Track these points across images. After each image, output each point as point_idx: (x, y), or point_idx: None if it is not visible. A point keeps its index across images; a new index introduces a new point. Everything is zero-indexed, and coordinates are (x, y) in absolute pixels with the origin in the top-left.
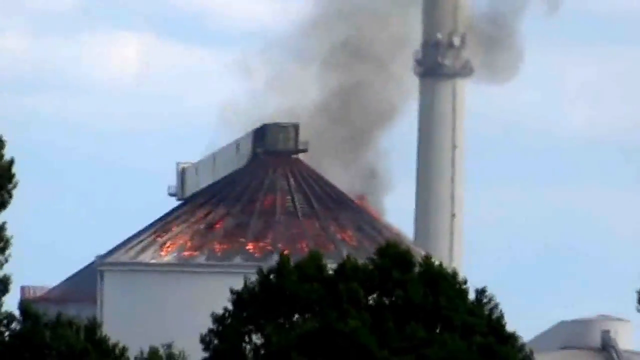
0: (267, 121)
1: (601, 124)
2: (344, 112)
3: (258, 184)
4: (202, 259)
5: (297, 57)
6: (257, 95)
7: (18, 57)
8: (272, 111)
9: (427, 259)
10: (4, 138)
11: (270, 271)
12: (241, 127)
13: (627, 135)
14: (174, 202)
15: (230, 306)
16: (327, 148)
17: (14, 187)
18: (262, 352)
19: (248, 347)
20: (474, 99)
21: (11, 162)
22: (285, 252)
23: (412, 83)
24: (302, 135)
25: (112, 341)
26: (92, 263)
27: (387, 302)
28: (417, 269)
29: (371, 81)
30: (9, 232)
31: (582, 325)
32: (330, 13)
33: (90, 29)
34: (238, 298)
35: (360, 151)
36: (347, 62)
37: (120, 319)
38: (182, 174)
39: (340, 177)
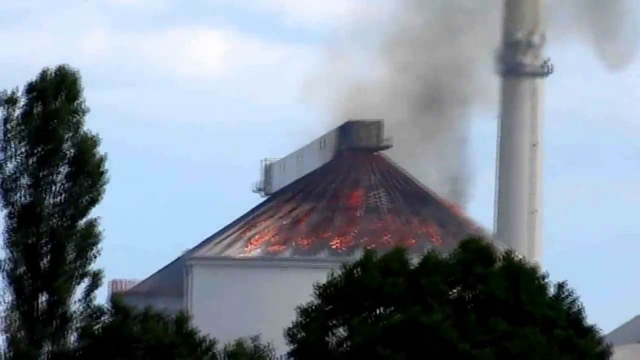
0: (351, 118)
1: None
2: (426, 110)
3: (342, 180)
4: (287, 254)
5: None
6: (340, 89)
7: (101, 54)
8: (355, 106)
9: (508, 253)
10: (98, 136)
11: (354, 266)
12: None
13: None
14: (259, 198)
15: (315, 300)
16: (409, 144)
17: (105, 183)
18: (347, 345)
19: (333, 340)
20: (554, 97)
21: (102, 159)
22: (369, 247)
23: (493, 81)
24: (386, 132)
25: (200, 334)
26: (181, 258)
27: (469, 296)
28: (498, 264)
29: (453, 80)
30: (100, 228)
31: None
32: (412, 10)
33: (175, 25)
34: (323, 292)
35: (442, 148)
36: (429, 60)
37: (207, 313)
38: (267, 170)
39: (423, 175)
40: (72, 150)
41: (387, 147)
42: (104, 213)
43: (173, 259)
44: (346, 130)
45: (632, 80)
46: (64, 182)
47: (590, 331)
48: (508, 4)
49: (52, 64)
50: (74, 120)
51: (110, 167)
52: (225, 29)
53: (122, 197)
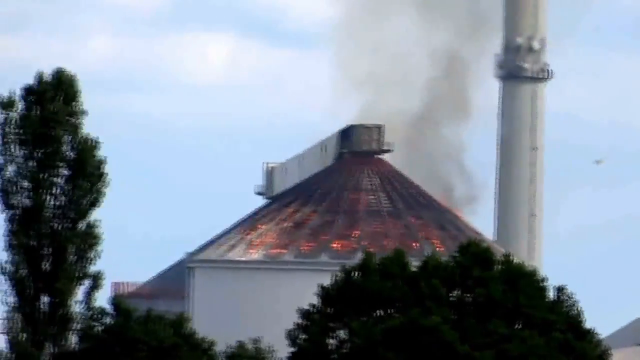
0: (353, 122)
1: None
2: (427, 113)
3: (343, 183)
4: (289, 257)
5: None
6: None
7: (107, 57)
8: (357, 110)
9: (507, 257)
10: (98, 138)
11: (354, 268)
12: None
13: None
14: (260, 201)
15: (316, 302)
16: (410, 148)
17: (105, 185)
18: (347, 347)
19: (333, 342)
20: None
21: (102, 162)
22: (370, 250)
23: (493, 86)
24: (387, 136)
25: (200, 335)
26: (183, 260)
27: (468, 299)
28: (497, 267)
29: (454, 84)
30: (101, 230)
31: None
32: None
33: (177, 29)
34: (324, 294)
35: (441, 151)
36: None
37: (209, 315)
38: (269, 174)
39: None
40: (71, 153)
41: (388, 150)
42: (106, 215)
43: (175, 261)
44: (347, 134)
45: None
46: (64, 184)
47: (588, 334)
48: (508, 10)
49: (51, 68)
50: (73, 122)
51: (112, 169)
52: (229, 32)
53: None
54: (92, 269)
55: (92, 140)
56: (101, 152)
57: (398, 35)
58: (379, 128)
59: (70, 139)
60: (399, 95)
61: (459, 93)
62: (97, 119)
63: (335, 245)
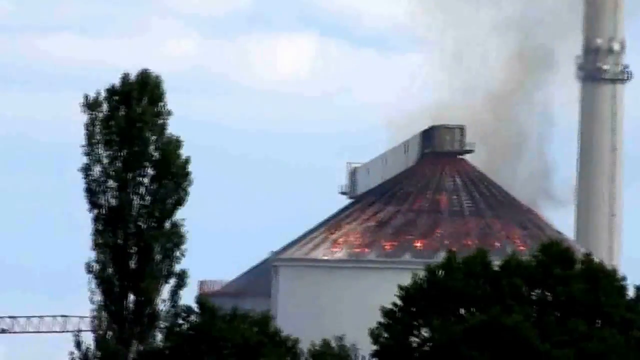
0: (434, 121)
1: None
2: (509, 113)
3: (426, 183)
4: (372, 256)
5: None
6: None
7: (185, 60)
8: (437, 111)
9: (588, 256)
10: (181, 138)
11: (437, 268)
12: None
13: None
14: (344, 201)
15: (399, 301)
16: (492, 147)
17: (190, 184)
18: (429, 345)
19: (415, 340)
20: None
21: (187, 161)
22: (452, 249)
23: (574, 87)
24: (468, 137)
25: (284, 334)
26: (267, 259)
27: (549, 297)
28: (578, 266)
29: (535, 84)
30: (186, 229)
31: None
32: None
33: (259, 32)
34: (406, 293)
35: (524, 151)
36: (513, 64)
37: (293, 313)
38: (353, 174)
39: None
40: (156, 153)
41: (469, 151)
42: (192, 214)
43: (260, 260)
44: (429, 135)
45: None
46: (149, 184)
47: None
48: (589, 12)
49: (133, 70)
50: (158, 123)
51: (198, 170)
52: (310, 34)
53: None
54: (178, 267)
55: (175, 140)
56: (185, 152)
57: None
58: (460, 129)
59: (155, 139)
60: (480, 98)
61: (541, 95)
62: (180, 121)
63: (417, 244)
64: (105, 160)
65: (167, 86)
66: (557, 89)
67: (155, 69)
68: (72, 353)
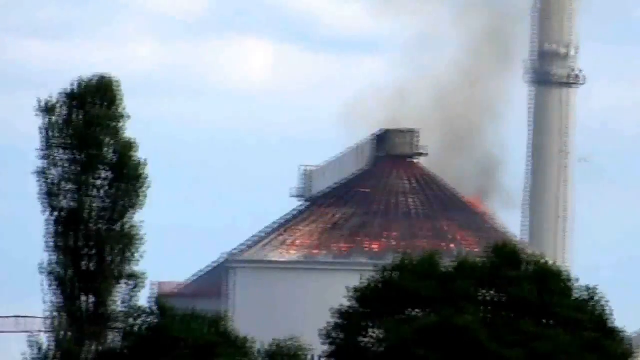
0: (388, 125)
1: None
2: (461, 116)
3: (378, 186)
4: (325, 257)
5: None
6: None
7: (147, 62)
8: (388, 114)
9: (538, 257)
10: (136, 141)
11: (390, 269)
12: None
13: None
14: (297, 203)
15: (352, 302)
16: (444, 150)
17: (146, 187)
18: (381, 346)
19: (368, 341)
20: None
21: (143, 164)
22: (405, 251)
23: (525, 90)
24: (421, 139)
25: (238, 334)
26: (221, 260)
27: (499, 298)
28: (528, 267)
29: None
30: (142, 230)
31: None
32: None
33: (217, 35)
34: (359, 294)
35: (475, 153)
36: (462, 69)
37: (247, 314)
38: (306, 176)
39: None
40: (113, 156)
41: (422, 154)
42: (148, 216)
43: (214, 261)
44: (383, 138)
45: None
46: (106, 186)
47: (617, 332)
48: (541, 16)
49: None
50: (114, 126)
51: (154, 172)
52: (268, 38)
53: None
54: (134, 269)
55: (130, 143)
56: (140, 155)
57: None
58: (413, 132)
59: (112, 142)
60: (431, 100)
61: (489, 98)
62: (138, 123)
63: (370, 246)
64: (62, 164)
65: (125, 89)
66: (509, 92)
67: (113, 71)
68: (24, 353)
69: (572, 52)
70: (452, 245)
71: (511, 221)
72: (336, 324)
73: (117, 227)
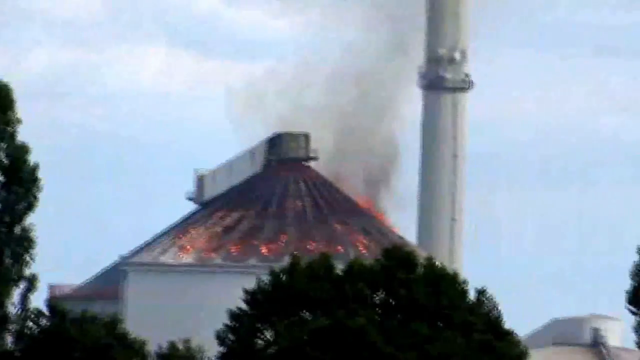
0: (280, 128)
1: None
2: (354, 120)
3: (271, 189)
4: (219, 260)
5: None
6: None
7: (42, 66)
8: (281, 118)
9: (430, 260)
10: (29, 144)
11: (282, 271)
12: (258, 132)
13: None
14: (191, 207)
15: (244, 305)
16: (337, 153)
17: (39, 190)
18: (274, 347)
19: (260, 343)
20: (475, 110)
21: (36, 167)
22: (297, 253)
23: (416, 95)
24: (313, 143)
25: (132, 336)
26: (116, 263)
27: (392, 301)
28: (420, 270)
29: (380, 92)
30: (36, 233)
31: (574, 323)
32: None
33: (111, 39)
34: (252, 297)
35: (367, 157)
36: (354, 72)
37: (142, 316)
38: (200, 180)
39: (348, 182)
40: (6, 160)
41: (314, 158)
42: (42, 220)
43: (109, 264)
44: (275, 142)
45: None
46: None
47: (508, 335)
48: (431, 21)
49: None
50: (8, 131)
51: (48, 176)
52: (161, 43)
53: (61, 204)
54: (28, 271)
55: (24, 147)
56: (34, 159)
57: (320, 45)
58: (305, 136)
59: (5, 147)
60: (324, 104)
61: (383, 103)
62: (32, 128)
63: (263, 249)
64: None
65: (18, 94)
66: (404, 96)
67: (4, 77)
68: None
69: (462, 57)
70: (344, 248)
71: (404, 223)
72: (229, 326)
73: (13, 230)
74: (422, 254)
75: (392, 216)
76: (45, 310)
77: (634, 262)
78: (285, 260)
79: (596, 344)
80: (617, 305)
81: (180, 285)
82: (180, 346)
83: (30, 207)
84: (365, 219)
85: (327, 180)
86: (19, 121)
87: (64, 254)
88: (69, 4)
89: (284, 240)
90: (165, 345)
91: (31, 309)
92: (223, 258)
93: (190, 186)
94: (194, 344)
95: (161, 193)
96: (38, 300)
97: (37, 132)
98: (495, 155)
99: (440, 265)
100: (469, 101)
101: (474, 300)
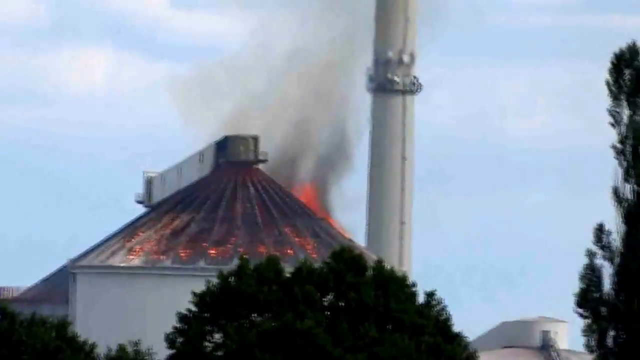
0: (229, 131)
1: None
2: (304, 123)
3: (220, 192)
4: (167, 263)
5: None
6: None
7: None
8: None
9: (379, 263)
10: None
11: (230, 274)
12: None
13: (557, 144)
14: (140, 209)
15: (193, 307)
16: (285, 156)
17: None
18: (223, 350)
19: (209, 345)
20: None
21: None
22: (245, 256)
23: (366, 98)
24: (263, 146)
25: (82, 339)
26: (65, 266)
27: (341, 303)
28: (369, 273)
29: (330, 95)
30: None
31: (523, 325)
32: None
33: (57, 43)
34: (201, 299)
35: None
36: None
37: (91, 319)
38: (149, 183)
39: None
40: None
41: (263, 161)
42: None
43: (58, 267)
44: (224, 145)
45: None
46: None
47: (457, 337)
48: (380, 24)
49: None
50: None
51: None
52: (108, 45)
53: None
54: None
55: None
56: None
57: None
58: (254, 138)
59: None
60: (273, 103)
61: (331, 105)
62: None
63: (212, 251)
64: None
65: None
66: (351, 99)
67: None
68: None
69: (411, 60)
70: (293, 251)
71: (352, 226)
72: (178, 328)
73: None
74: (371, 257)
75: (342, 217)
76: None
77: (583, 265)
78: (234, 263)
79: (545, 346)
80: (565, 308)
81: (129, 288)
82: (130, 349)
83: None
84: (314, 221)
85: (276, 182)
86: None
87: (11, 256)
88: (13, 8)
89: (233, 243)
90: (114, 347)
91: None
92: (172, 261)
93: (139, 188)
94: (143, 346)
95: (110, 195)
96: None
97: None
98: (444, 157)
99: (389, 267)
100: (416, 104)
101: (423, 303)
